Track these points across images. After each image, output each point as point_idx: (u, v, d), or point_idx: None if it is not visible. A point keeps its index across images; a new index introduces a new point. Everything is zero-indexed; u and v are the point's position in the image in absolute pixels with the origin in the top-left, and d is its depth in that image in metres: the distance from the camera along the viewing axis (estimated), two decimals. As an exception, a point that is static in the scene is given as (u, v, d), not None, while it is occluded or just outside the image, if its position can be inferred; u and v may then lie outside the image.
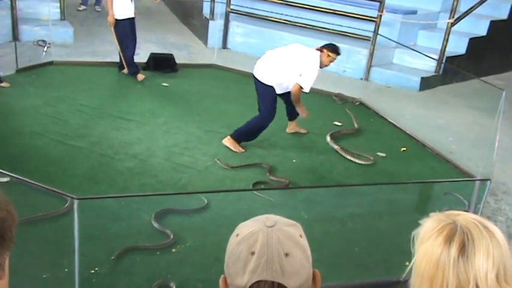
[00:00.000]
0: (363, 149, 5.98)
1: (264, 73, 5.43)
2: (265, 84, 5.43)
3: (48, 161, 5.02)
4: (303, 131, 6.17)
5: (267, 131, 5.94)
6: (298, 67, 5.41)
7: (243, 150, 5.56)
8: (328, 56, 5.49)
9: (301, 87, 5.43)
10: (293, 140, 6.02)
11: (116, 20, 7.07)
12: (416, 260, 1.18)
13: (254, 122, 5.56)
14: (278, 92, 5.52)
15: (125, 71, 7.51)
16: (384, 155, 5.89)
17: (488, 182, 4.04)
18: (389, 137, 6.51)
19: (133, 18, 7.26)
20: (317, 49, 5.54)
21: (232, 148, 5.54)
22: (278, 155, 5.63)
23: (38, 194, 3.99)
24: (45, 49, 7.99)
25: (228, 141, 5.58)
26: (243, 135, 5.60)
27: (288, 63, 5.43)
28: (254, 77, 5.53)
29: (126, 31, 7.19)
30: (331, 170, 5.47)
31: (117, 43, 7.30)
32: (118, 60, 7.58)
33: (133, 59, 7.44)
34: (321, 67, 5.53)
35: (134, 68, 7.46)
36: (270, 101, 5.49)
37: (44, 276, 3.45)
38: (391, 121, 6.91)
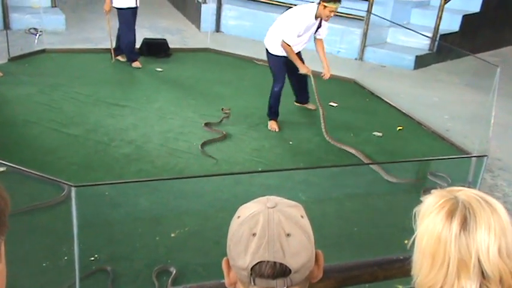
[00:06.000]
0: (359, 128, 5.99)
1: (266, 38, 5.67)
2: (267, 51, 5.66)
3: (43, 149, 5.00)
4: (310, 106, 6.32)
5: (263, 113, 5.93)
6: (285, 19, 5.52)
7: (277, 129, 5.76)
8: (325, 7, 5.22)
9: (284, 41, 5.41)
10: (289, 122, 6.00)
11: (118, 8, 6.96)
12: (417, 236, 1.18)
13: (270, 94, 5.76)
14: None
15: (120, 58, 7.44)
16: (380, 134, 5.90)
17: (485, 158, 4.05)
18: (385, 117, 6.51)
19: (136, 8, 7.09)
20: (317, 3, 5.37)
21: (268, 126, 5.79)
22: (274, 137, 5.62)
23: (35, 183, 3.98)
24: (37, 37, 7.92)
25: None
26: (268, 110, 5.82)
27: (279, 21, 5.57)
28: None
29: (128, 20, 7.06)
30: (327, 151, 5.46)
31: (110, 31, 7.17)
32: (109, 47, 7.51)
33: (134, 47, 7.37)
34: (323, 19, 5.48)
35: (133, 56, 7.38)
36: (274, 66, 5.68)
37: (44, 264, 3.45)
38: (387, 100, 6.91)
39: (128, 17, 7.05)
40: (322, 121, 5.67)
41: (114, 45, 7.41)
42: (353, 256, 3.75)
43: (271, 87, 5.73)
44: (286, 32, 5.38)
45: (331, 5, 5.22)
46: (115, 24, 7.25)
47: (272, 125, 5.77)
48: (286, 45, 5.42)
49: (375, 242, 4.04)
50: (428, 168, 5.29)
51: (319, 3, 5.31)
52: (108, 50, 7.57)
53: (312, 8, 5.36)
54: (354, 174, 5.03)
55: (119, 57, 7.46)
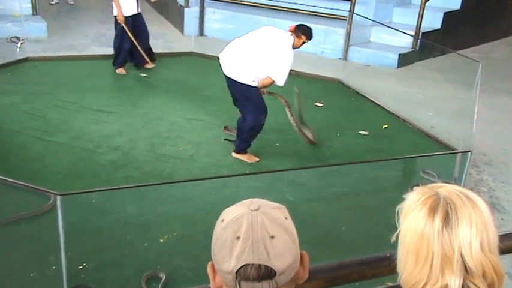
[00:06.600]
0: (345, 128, 6.02)
1: (239, 71, 4.91)
2: (245, 84, 4.91)
3: (28, 158, 4.96)
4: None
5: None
6: (271, 55, 4.86)
7: (258, 159, 5.18)
8: (304, 42, 5.06)
9: (274, 81, 4.88)
10: (274, 124, 6.00)
11: (115, 17, 6.94)
12: (401, 233, 1.19)
13: (246, 127, 5.08)
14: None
15: (149, 65, 7.39)
16: (366, 133, 5.93)
17: (469, 153, 4.09)
18: (371, 115, 6.54)
19: (137, 14, 7.10)
20: (290, 30, 5.07)
21: (246, 160, 5.15)
22: (260, 139, 5.60)
23: (20, 192, 3.95)
24: (19, 45, 7.85)
25: (237, 156, 5.19)
26: (243, 145, 5.19)
27: (259, 55, 4.86)
28: (227, 77, 5.02)
29: (128, 27, 7.04)
30: (314, 151, 5.48)
31: (133, 38, 7.10)
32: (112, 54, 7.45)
33: (125, 54, 7.31)
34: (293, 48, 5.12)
35: (121, 62, 7.34)
36: (255, 98, 5.01)
37: (32, 274, 3.42)
38: (372, 99, 6.95)
39: (129, 25, 7.01)
40: (287, 109, 5.47)
41: (143, 52, 7.29)
42: (342, 255, 3.76)
43: (253, 119, 5.00)
44: (282, 73, 4.85)
45: (307, 40, 5.09)
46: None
47: (251, 158, 5.18)
48: (271, 83, 4.92)
49: (364, 241, 4.06)
50: (414, 166, 5.33)
51: (295, 34, 5.02)
52: (91, 57, 7.54)
53: (289, 40, 4.99)
54: (342, 173, 5.05)
55: (147, 65, 7.41)
